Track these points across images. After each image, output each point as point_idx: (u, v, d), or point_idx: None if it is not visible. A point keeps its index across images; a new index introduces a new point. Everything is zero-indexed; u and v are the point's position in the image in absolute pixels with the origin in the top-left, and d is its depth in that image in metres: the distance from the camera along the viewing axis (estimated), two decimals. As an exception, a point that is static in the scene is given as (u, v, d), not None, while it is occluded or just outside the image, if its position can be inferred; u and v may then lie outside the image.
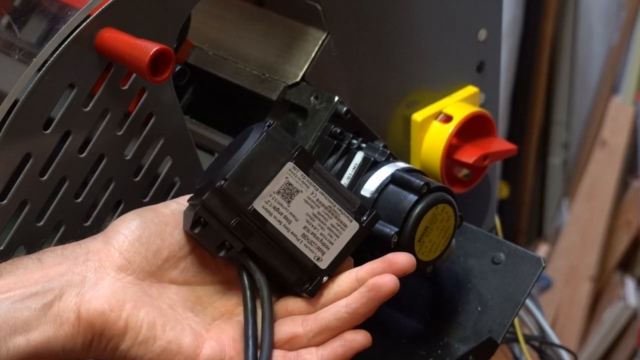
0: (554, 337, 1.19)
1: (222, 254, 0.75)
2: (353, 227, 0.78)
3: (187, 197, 0.78)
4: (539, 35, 2.46)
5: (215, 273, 0.77)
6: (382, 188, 0.84)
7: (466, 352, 0.86)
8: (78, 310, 0.71)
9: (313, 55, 0.91)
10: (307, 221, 0.76)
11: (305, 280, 0.77)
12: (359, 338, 0.75)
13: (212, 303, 0.77)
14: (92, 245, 0.74)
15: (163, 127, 0.83)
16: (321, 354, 0.74)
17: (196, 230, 0.75)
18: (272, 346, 0.74)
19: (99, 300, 0.72)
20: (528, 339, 1.16)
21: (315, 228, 0.76)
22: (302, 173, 0.76)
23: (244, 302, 0.76)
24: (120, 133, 0.81)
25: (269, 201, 0.75)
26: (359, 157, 0.86)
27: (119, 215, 0.82)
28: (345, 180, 0.86)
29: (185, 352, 0.73)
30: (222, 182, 0.74)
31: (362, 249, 0.85)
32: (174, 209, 0.77)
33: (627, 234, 2.43)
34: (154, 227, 0.75)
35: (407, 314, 0.90)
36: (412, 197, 0.82)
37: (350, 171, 0.86)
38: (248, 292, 0.76)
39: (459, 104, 1.01)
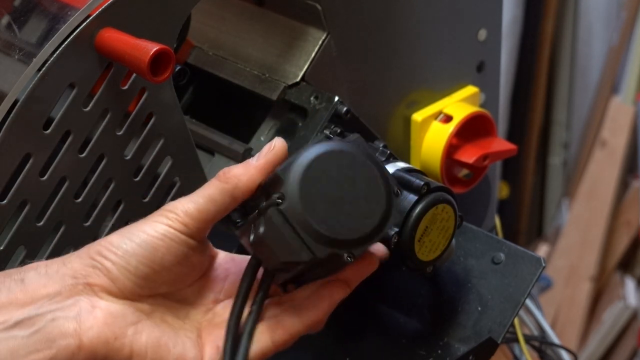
0: (554, 337, 1.19)
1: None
2: None
3: (176, 205, 0.73)
4: (539, 35, 2.46)
5: (193, 274, 0.75)
6: (382, 188, 0.84)
7: (466, 352, 0.86)
8: (79, 337, 0.68)
9: (313, 55, 0.91)
10: None
11: None
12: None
13: (191, 303, 0.75)
14: (79, 267, 0.71)
15: (163, 127, 0.83)
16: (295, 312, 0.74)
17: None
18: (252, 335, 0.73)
19: (101, 328, 0.69)
20: (528, 339, 1.16)
21: None
22: None
23: (237, 293, 0.75)
24: (120, 133, 0.81)
25: None
26: (359, 157, 0.86)
27: (119, 216, 0.82)
28: (345, 180, 0.86)
29: None
30: (348, 257, 0.71)
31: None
32: (163, 233, 0.72)
33: (627, 234, 2.44)
34: (142, 254, 0.71)
35: (407, 314, 0.90)
36: (412, 197, 0.82)
37: (350, 171, 0.86)
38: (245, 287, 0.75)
39: (459, 104, 1.01)
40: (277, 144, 0.74)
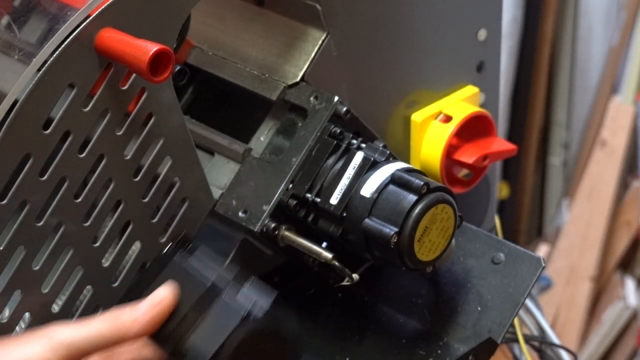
0: (554, 337, 1.19)
1: None
2: None
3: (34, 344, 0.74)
4: (539, 35, 2.46)
5: None
6: (382, 188, 0.84)
7: (466, 352, 0.86)
8: None
9: (313, 55, 0.91)
10: None
11: None
12: None
13: None
14: None
15: (163, 127, 0.83)
16: None
17: None
18: None
19: None
20: (528, 339, 1.16)
21: None
22: None
23: None
24: (120, 133, 0.81)
25: None
26: (358, 157, 0.87)
27: (119, 216, 0.82)
28: (345, 180, 0.86)
29: None
30: None
31: (361, 249, 0.85)
32: None
33: (627, 234, 2.44)
34: None
35: (407, 314, 0.90)
36: (412, 197, 0.82)
37: (350, 171, 0.86)
38: None
39: (459, 104, 1.01)
40: (166, 301, 0.77)
